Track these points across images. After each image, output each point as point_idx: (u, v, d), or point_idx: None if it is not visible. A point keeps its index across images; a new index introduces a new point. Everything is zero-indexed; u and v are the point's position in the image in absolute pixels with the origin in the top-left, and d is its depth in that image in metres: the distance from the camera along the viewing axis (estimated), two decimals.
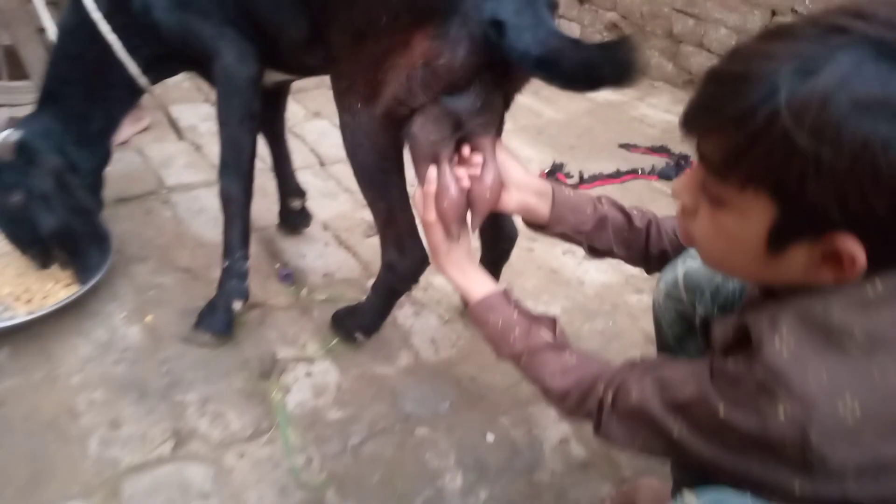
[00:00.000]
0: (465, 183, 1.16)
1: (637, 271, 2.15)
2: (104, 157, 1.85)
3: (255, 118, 1.62)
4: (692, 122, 0.75)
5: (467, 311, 1.14)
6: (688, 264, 1.15)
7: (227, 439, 1.49)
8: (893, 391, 0.69)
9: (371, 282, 1.78)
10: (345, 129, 1.38)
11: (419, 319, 1.87)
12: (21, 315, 1.71)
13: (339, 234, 2.22)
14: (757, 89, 0.66)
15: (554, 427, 1.59)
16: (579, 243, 1.22)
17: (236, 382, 1.63)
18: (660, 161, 2.80)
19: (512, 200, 1.19)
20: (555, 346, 1.04)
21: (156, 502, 1.34)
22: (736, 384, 0.75)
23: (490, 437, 1.56)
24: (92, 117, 1.75)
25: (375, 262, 2.05)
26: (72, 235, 1.80)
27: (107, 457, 1.43)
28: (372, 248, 2.16)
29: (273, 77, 1.66)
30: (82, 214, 1.81)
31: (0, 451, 1.42)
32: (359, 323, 1.73)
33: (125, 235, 2.10)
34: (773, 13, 2.93)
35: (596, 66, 1.04)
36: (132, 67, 1.66)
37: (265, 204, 2.30)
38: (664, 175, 2.69)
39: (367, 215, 2.33)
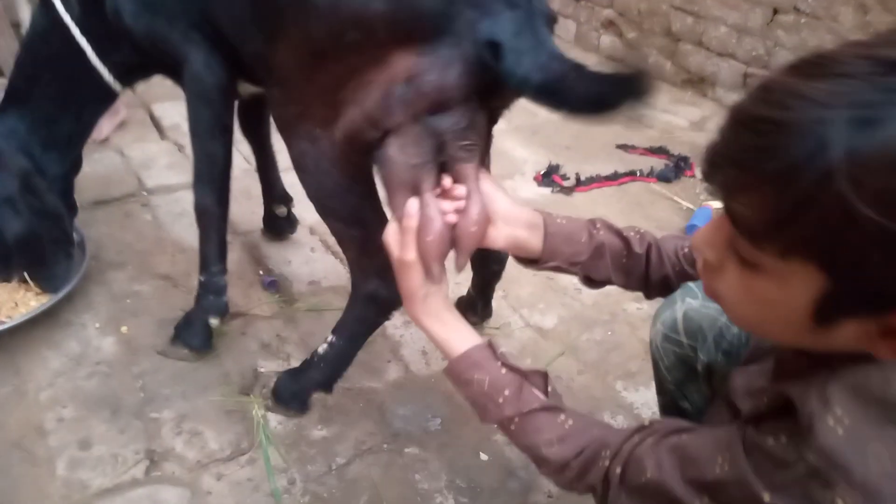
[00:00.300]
0: (451, 217, 1.00)
1: None
2: (74, 164, 1.76)
3: (227, 129, 1.51)
4: (719, 174, 0.63)
5: (446, 368, 0.99)
6: (687, 303, 1.06)
7: (205, 460, 1.41)
8: None
9: None
10: (303, 158, 1.23)
11: (409, 329, 1.79)
12: None
13: (327, 238, 2.13)
14: (802, 143, 0.55)
15: None
16: (574, 274, 1.09)
17: (215, 398, 1.55)
18: (658, 163, 2.73)
19: (500, 235, 1.04)
20: (549, 407, 0.91)
21: None
22: (781, 467, 0.64)
23: (483, 457, 1.48)
24: (61, 120, 1.66)
25: None
26: (38, 242, 1.69)
27: (76, 479, 1.34)
28: None
29: (248, 88, 1.56)
30: (50, 220, 1.70)
31: None
32: (317, 380, 1.50)
33: (102, 240, 2.01)
34: (775, 11, 2.86)
35: (603, 97, 0.95)
36: (103, 71, 1.57)
37: (249, 207, 2.22)
38: (663, 177, 2.61)
39: None
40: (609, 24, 3.66)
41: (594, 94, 0.96)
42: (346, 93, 1.07)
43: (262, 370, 1.63)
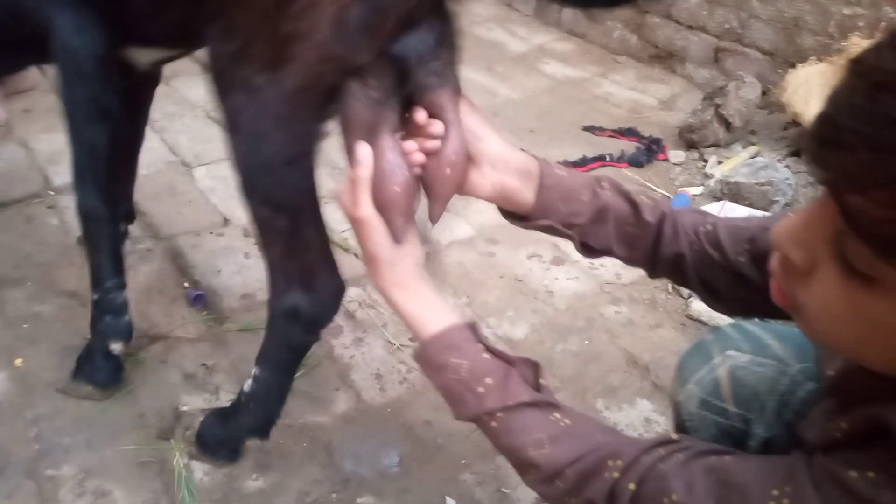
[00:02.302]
0: (418, 158, 0.84)
1: (612, 277, 1.89)
2: None
3: (108, 112, 1.22)
4: (843, 157, 0.46)
5: (416, 350, 0.81)
6: (731, 359, 0.85)
7: None
8: None
9: None
10: (237, 115, 0.95)
11: (360, 349, 1.55)
12: None
13: None
14: None
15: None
16: (569, 237, 0.90)
17: (127, 447, 1.29)
18: (629, 146, 2.52)
19: (485, 182, 0.88)
20: (540, 402, 0.74)
21: None
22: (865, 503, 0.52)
23: (450, 501, 1.26)
24: None
25: None
26: None
27: None
28: None
29: (138, 57, 1.26)
30: None
31: None
32: (248, 425, 1.25)
33: None
34: None
35: None
36: None
37: (174, 205, 1.95)
38: (634, 162, 2.41)
39: None
40: None
41: None
42: (292, 22, 0.82)
43: (185, 408, 1.37)
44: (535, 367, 0.78)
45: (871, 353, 0.54)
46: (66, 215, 1.91)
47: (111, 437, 1.30)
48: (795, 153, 2.35)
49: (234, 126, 0.97)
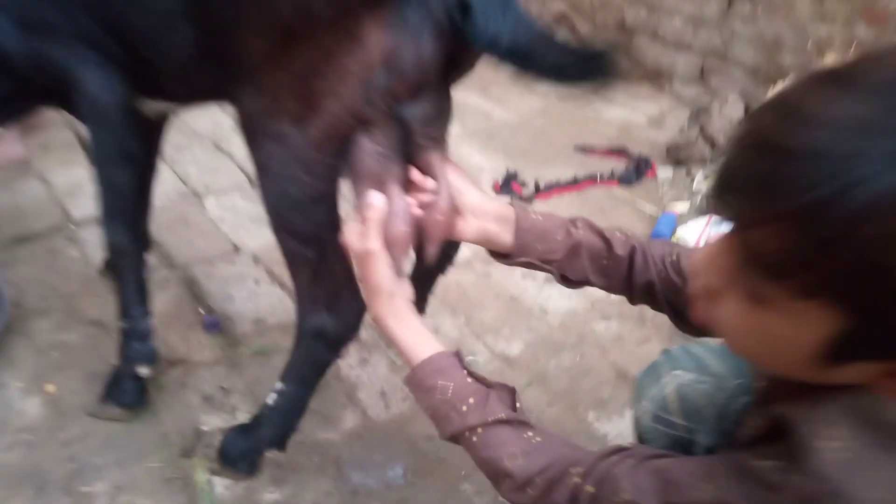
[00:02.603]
0: (417, 210, 0.99)
1: (602, 295, 1.97)
2: None
3: (132, 156, 1.36)
4: (734, 200, 0.57)
5: (408, 375, 0.92)
6: (677, 378, 0.97)
7: None
8: None
9: None
10: (268, 160, 1.09)
11: (366, 369, 1.67)
12: None
13: (272, 267, 1.98)
14: (833, 176, 0.49)
15: None
16: (548, 272, 1.02)
17: (153, 464, 1.40)
18: (619, 164, 2.64)
19: (469, 228, 1.02)
20: (515, 420, 0.85)
21: None
22: (775, 491, 0.61)
23: None
24: None
25: None
26: None
27: None
28: None
29: (154, 107, 1.39)
30: None
31: None
32: (269, 436, 1.36)
33: (23, 283, 1.83)
34: (730, 2, 2.79)
35: (569, 68, 0.97)
36: None
37: (187, 236, 2.06)
38: (625, 180, 2.52)
39: None
40: (561, 18, 3.55)
41: (561, 64, 0.97)
42: (321, 82, 0.98)
43: (205, 428, 1.48)
44: (511, 391, 0.89)
45: (775, 362, 0.64)
46: (87, 247, 2.03)
47: (138, 455, 1.41)
48: None
49: (266, 170, 1.11)
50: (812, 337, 0.56)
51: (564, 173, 2.56)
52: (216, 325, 1.76)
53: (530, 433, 0.84)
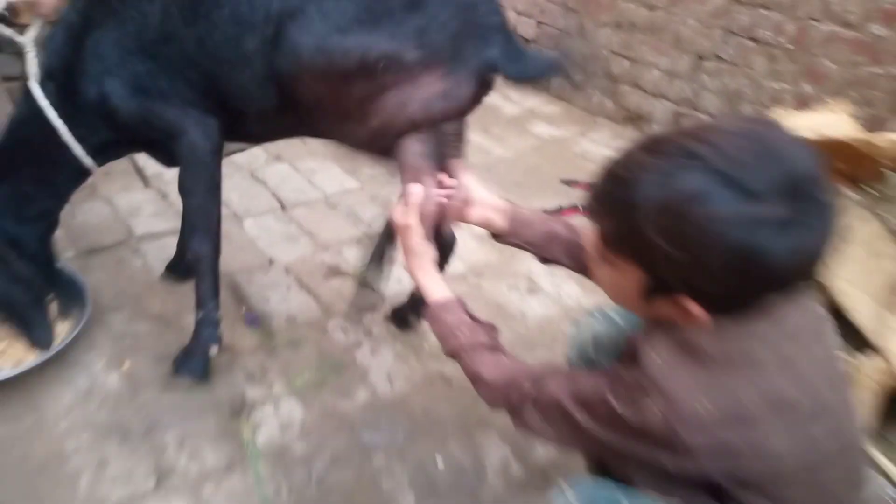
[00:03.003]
0: (442, 199, 1.45)
1: (574, 304, 2.40)
2: (49, 228, 1.96)
3: (218, 186, 1.80)
4: (593, 207, 1.00)
5: (427, 309, 1.34)
6: (595, 329, 1.37)
7: (205, 473, 1.67)
8: (736, 397, 0.94)
9: (333, 322, 1.99)
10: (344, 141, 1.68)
11: (376, 358, 2.06)
12: (7, 370, 1.85)
13: (301, 277, 2.40)
14: (635, 193, 0.90)
15: (497, 451, 1.79)
16: (530, 251, 1.44)
17: (210, 422, 1.80)
18: None
19: (475, 214, 1.44)
20: (493, 347, 1.26)
21: None
22: (626, 387, 0.98)
23: (440, 462, 1.76)
24: (37, 197, 1.86)
25: (335, 304, 2.26)
26: (13, 303, 1.90)
27: (96, 495, 1.59)
28: (332, 290, 2.34)
29: (232, 146, 1.83)
30: (23, 285, 1.90)
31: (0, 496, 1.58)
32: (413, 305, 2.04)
33: (99, 285, 2.24)
34: (700, 58, 3.20)
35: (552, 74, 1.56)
36: (79, 152, 1.78)
37: (230, 251, 2.46)
38: None
39: (327, 258, 2.52)
40: None
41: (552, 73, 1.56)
42: (380, 102, 1.50)
43: (248, 397, 1.89)
44: (494, 328, 1.30)
45: (623, 301, 1.05)
46: (147, 258, 2.45)
47: (198, 415, 1.82)
48: None
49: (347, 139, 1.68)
50: (633, 284, 0.97)
51: (551, 203, 2.96)
52: (256, 320, 2.17)
53: (503, 357, 1.25)
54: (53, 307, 2.05)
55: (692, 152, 0.86)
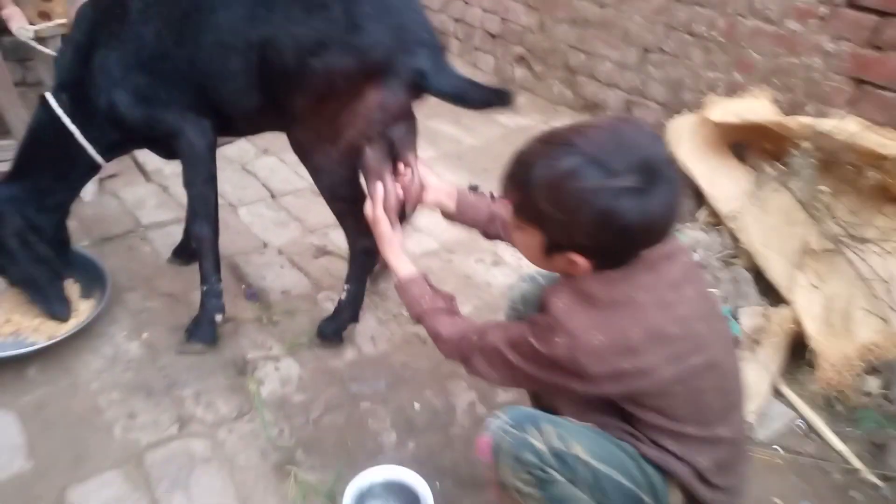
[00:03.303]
0: (401, 193, 1.76)
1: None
2: (64, 216, 2.25)
3: (215, 177, 2.11)
4: (505, 184, 1.31)
5: (396, 283, 1.67)
6: (523, 289, 1.70)
7: (219, 420, 1.99)
8: (622, 331, 1.22)
9: (322, 294, 2.31)
10: (320, 165, 1.94)
11: (361, 323, 2.37)
12: (43, 340, 2.15)
13: (292, 257, 2.72)
14: (531, 173, 1.22)
15: (465, 395, 2.13)
16: (476, 229, 1.77)
17: (221, 379, 2.13)
18: None
19: (429, 198, 1.77)
20: (449, 310, 1.59)
21: (171, 467, 1.84)
22: (541, 328, 1.28)
23: (417, 406, 2.09)
24: (55, 189, 2.15)
25: (324, 279, 2.59)
26: (35, 281, 2.20)
27: (129, 439, 1.91)
28: (320, 267, 2.66)
29: (223, 139, 2.14)
30: (43, 264, 2.19)
31: (48, 441, 1.89)
32: (347, 317, 2.24)
33: (114, 269, 2.53)
34: (646, 50, 3.53)
35: (486, 99, 1.78)
36: (92, 152, 2.08)
37: (228, 236, 2.77)
38: None
39: (314, 240, 2.84)
40: (520, 59, 4.31)
41: (479, 98, 1.77)
42: (342, 120, 1.80)
43: (250, 357, 2.21)
44: (452, 298, 1.62)
45: (534, 259, 1.35)
46: (155, 244, 2.76)
47: (211, 373, 2.14)
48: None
49: (319, 171, 1.95)
50: (537, 244, 1.29)
51: None
52: (254, 295, 2.48)
53: (458, 318, 1.57)
54: (76, 288, 2.36)
55: (570, 142, 1.18)
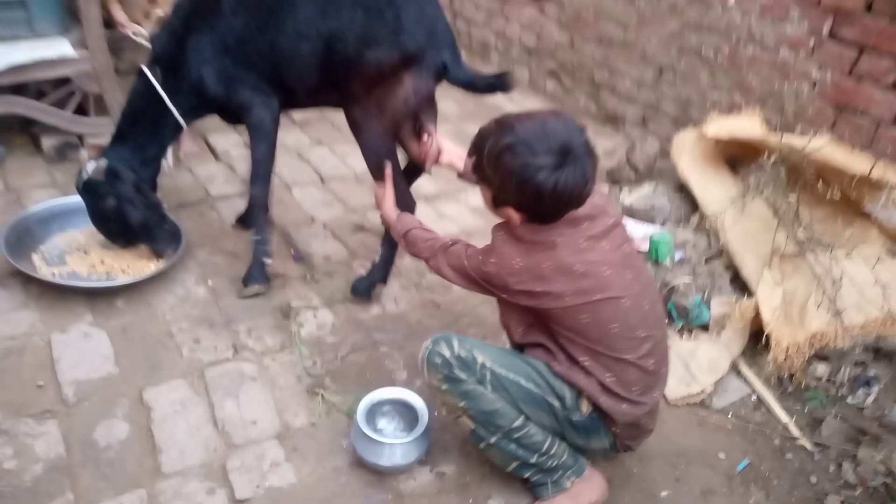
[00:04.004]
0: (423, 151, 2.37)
1: None
2: (157, 171, 2.77)
3: (275, 147, 2.62)
4: (470, 152, 1.74)
5: (386, 221, 2.22)
6: None
7: (266, 351, 2.47)
8: (536, 262, 1.67)
9: (357, 262, 2.78)
10: (369, 135, 2.41)
11: (387, 287, 2.83)
12: (127, 278, 2.67)
13: (335, 230, 3.20)
14: (484, 145, 1.65)
15: None
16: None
17: (270, 320, 2.61)
18: None
19: (444, 160, 2.33)
20: (423, 229, 2.08)
21: (225, 381, 2.32)
22: (485, 250, 1.79)
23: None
24: (150, 146, 2.66)
25: (359, 250, 3.06)
26: (148, 224, 2.71)
27: (194, 358, 2.41)
28: (357, 240, 3.14)
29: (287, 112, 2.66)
30: (153, 209, 2.71)
31: (130, 355, 2.40)
32: (380, 276, 2.71)
33: (187, 229, 3.03)
34: (661, 70, 3.92)
35: (490, 85, 2.34)
36: (176, 114, 2.57)
37: (282, 210, 3.28)
38: None
39: (354, 218, 3.31)
40: (551, 73, 4.73)
41: (484, 85, 2.36)
42: (386, 100, 2.32)
43: (294, 305, 2.69)
44: (422, 224, 2.10)
45: (494, 213, 1.77)
46: (222, 212, 3.27)
47: (261, 315, 2.62)
48: (680, 188, 3.56)
49: (366, 140, 2.42)
50: (489, 198, 1.74)
51: None
52: (301, 258, 2.96)
53: (430, 233, 2.04)
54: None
55: (512, 126, 1.61)
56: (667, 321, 2.57)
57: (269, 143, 2.58)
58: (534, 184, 1.57)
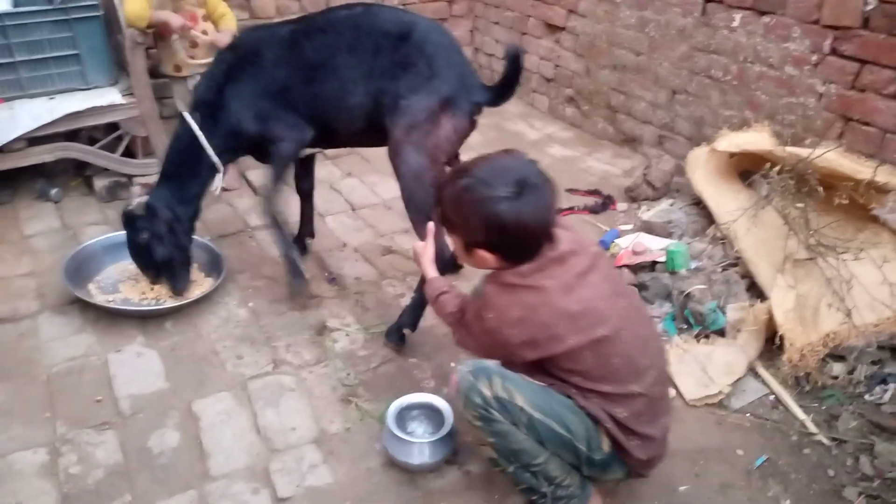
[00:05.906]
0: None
1: None
2: (196, 210, 2.94)
3: (291, 167, 2.85)
4: (437, 202, 1.84)
5: (425, 284, 2.20)
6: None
7: (303, 364, 2.65)
8: (534, 310, 1.63)
9: (386, 281, 2.95)
10: (411, 178, 2.51)
11: (406, 300, 3.00)
12: (175, 303, 2.89)
13: (365, 254, 3.39)
14: (444, 192, 1.73)
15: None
16: None
17: (306, 336, 2.80)
18: (592, 201, 3.91)
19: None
20: (452, 294, 2.03)
21: (266, 392, 2.50)
22: (482, 306, 1.73)
23: (452, 364, 2.67)
24: (190, 187, 2.84)
25: (388, 271, 3.24)
26: (173, 262, 2.87)
27: (237, 372, 2.60)
28: (386, 262, 3.32)
29: (306, 151, 2.85)
30: (181, 250, 2.88)
31: (179, 371, 2.60)
32: (407, 322, 2.70)
33: (228, 257, 3.25)
34: (674, 92, 4.06)
35: (510, 75, 2.46)
36: (213, 156, 2.77)
37: (316, 238, 3.48)
38: (593, 210, 3.78)
39: (383, 242, 3.50)
40: (570, 100, 4.91)
41: (507, 81, 2.48)
42: (427, 141, 2.46)
43: (328, 324, 2.87)
44: (454, 288, 2.13)
45: (466, 262, 1.80)
46: (259, 241, 3.48)
47: (298, 332, 2.81)
48: (696, 202, 3.67)
49: (408, 182, 2.54)
50: (460, 245, 1.75)
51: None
52: (334, 280, 3.15)
53: (456, 300, 2.05)
54: (199, 269, 3.10)
55: (466, 169, 1.66)
56: (669, 342, 2.72)
57: (285, 171, 2.76)
58: (496, 217, 1.58)
